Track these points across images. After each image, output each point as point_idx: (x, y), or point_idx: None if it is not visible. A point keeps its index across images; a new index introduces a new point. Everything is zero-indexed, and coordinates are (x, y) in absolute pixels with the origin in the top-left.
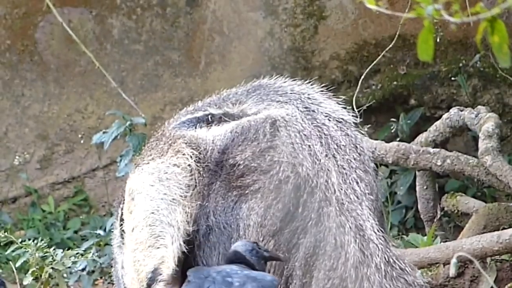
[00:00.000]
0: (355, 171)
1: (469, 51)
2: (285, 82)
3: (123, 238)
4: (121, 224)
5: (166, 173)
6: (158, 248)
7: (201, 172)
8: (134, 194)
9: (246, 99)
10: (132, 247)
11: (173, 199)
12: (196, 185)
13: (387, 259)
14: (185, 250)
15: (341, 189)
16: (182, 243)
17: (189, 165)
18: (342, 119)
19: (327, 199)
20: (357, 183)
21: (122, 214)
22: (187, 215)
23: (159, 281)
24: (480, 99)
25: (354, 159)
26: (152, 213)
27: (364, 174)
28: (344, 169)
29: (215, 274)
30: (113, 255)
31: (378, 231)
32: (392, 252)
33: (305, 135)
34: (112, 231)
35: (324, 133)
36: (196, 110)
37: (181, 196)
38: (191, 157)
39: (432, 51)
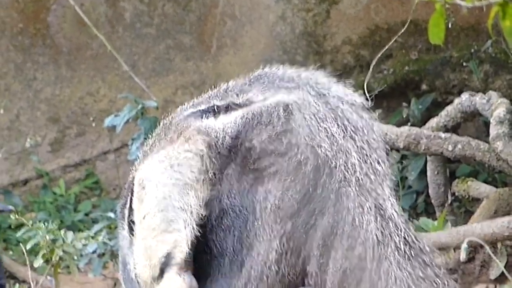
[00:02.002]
0: (376, 152)
1: (480, 36)
2: (287, 69)
3: (132, 231)
4: (130, 215)
5: (178, 158)
6: (171, 232)
7: (213, 159)
8: (145, 183)
9: (251, 88)
10: (143, 234)
11: (186, 183)
12: (208, 171)
13: (406, 239)
14: (198, 234)
15: (362, 169)
16: (195, 226)
17: (201, 150)
18: (355, 101)
19: (347, 180)
20: (379, 163)
21: (130, 209)
22: (200, 200)
23: (173, 265)
24: (491, 85)
25: (374, 139)
26: (164, 198)
27: (385, 154)
28: (364, 149)
29: None
30: (123, 257)
31: (398, 210)
32: (412, 231)
33: (320, 117)
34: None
35: (339, 115)
36: (197, 104)
37: (194, 180)
38: (202, 143)
39: (443, 35)
